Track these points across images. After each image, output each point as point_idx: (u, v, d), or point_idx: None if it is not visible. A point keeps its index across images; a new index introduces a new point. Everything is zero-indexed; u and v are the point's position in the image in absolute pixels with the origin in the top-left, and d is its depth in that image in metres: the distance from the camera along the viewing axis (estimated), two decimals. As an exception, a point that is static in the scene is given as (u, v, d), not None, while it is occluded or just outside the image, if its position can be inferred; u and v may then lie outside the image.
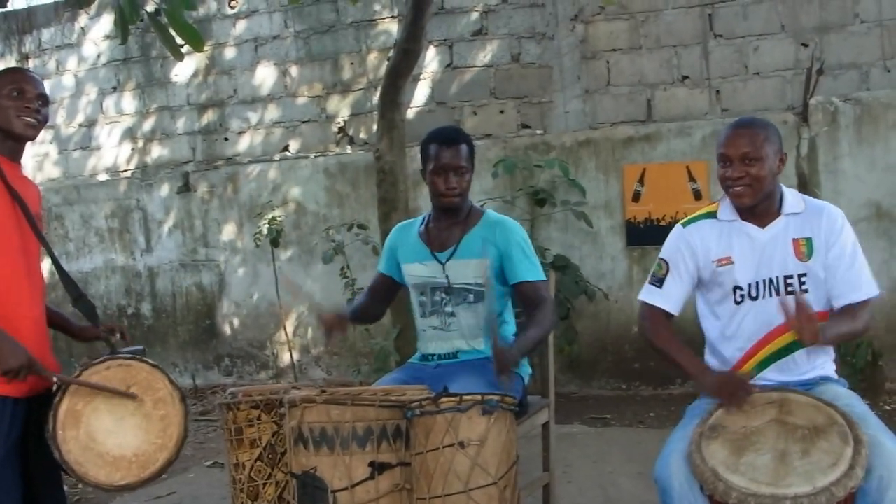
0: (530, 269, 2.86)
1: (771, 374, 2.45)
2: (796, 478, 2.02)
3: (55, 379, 2.47)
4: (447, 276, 2.90)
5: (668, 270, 2.56)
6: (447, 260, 2.90)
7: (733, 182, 2.43)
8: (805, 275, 2.44)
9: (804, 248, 2.45)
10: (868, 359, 4.96)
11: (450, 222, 2.95)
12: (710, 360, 2.58)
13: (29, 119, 2.49)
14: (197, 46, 3.83)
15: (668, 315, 2.57)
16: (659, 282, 2.57)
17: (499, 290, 2.89)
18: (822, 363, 2.51)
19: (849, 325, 2.39)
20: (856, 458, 2.02)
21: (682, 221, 2.63)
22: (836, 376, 2.53)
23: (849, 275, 2.43)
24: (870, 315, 2.44)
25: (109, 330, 2.68)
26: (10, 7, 7.04)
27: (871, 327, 2.52)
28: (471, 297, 2.88)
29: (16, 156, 2.56)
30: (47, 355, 2.57)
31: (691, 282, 2.56)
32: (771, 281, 2.46)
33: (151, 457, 2.43)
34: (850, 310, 2.41)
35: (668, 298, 2.56)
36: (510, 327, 3.01)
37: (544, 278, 2.90)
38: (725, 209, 2.54)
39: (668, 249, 2.60)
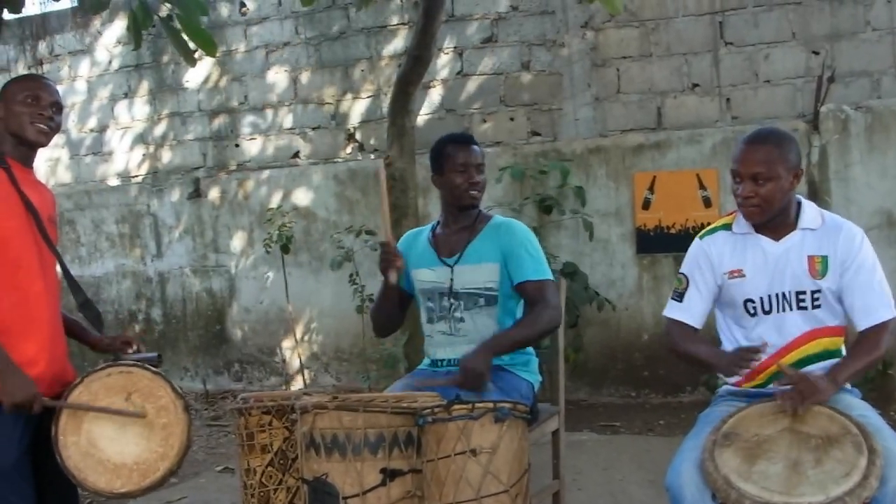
0: (534, 268, 2.85)
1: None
2: (809, 487, 2.01)
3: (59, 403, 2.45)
4: (451, 280, 2.90)
5: (687, 285, 2.56)
6: (455, 264, 2.91)
7: (743, 200, 2.43)
8: (818, 292, 2.43)
9: (819, 266, 2.43)
10: (878, 368, 4.94)
11: (458, 227, 2.96)
12: None
13: (42, 126, 2.52)
14: (210, 51, 3.84)
15: (691, 329, 2.57)
16: (679, 296, 2.58)
17: (511, 295, 2.90)
18: None
19: (865, 357, 2.38)
20: (870, 469, 2.01)
21: (700, 234, 2.63)
22: (849, 386, 2.51)
23: (868, 296, 2.40)
24: (891, 337, 2.39)
25: (126, 342, 2.68)
26: (24, 13, 7.08)
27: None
28: (482, 301, 2.88)
29: (28, 161, 2.59)
30: (64, 359, 2.60)
31: (711, 294, 2.55)
32: (784, 295, 2.45)
33: (152, 465, 2.42)
34: (870, 336, 2.39)
35: (690, 312, 2.56)
36: None
37: (550, 277, 2.87)
38: (741, 221, 2.53)
39: (687, 263, 2.60)
